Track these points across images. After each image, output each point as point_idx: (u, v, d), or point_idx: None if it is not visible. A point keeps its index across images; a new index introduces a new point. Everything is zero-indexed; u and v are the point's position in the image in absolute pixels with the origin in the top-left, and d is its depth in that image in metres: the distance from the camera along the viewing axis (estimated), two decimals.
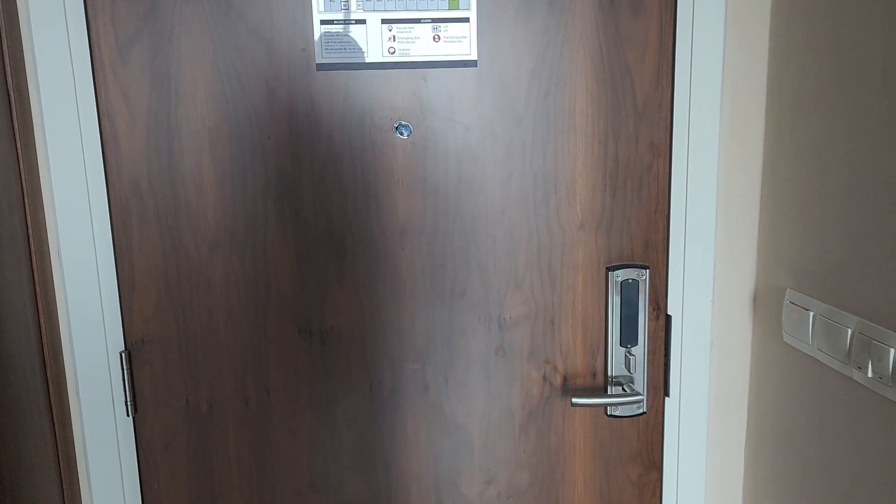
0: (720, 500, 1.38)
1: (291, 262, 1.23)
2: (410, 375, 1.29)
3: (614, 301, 1.29)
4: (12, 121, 1.07)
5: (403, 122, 1.21)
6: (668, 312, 1.31)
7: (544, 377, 1.31)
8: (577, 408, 1.32)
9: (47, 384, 1.15)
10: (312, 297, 1.24)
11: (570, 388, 1.32)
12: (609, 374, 1.31)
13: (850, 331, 1.04)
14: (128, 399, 1.23)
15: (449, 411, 1.31)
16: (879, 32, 0.96)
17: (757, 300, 1.31)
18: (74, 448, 1.24)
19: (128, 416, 1.24)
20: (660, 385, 1.34)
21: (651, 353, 1.32)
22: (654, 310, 1.31)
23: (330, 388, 1.28)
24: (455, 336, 1.28)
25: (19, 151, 1.08)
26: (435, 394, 1.30)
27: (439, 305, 1.27)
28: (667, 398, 1.34)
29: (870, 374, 1.00)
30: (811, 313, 1.13)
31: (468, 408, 1.31)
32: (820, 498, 1.14)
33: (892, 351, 0.95)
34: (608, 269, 1.28)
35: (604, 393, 1.32)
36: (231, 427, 1.27)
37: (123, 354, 1.22)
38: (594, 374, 1.32)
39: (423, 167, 1.22)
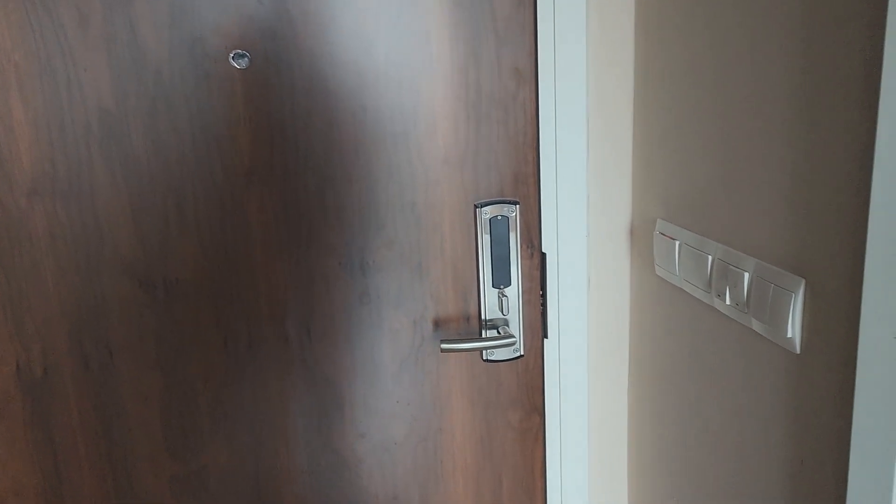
0: (604, 441, 1.34)
1: (125, 210, 1.12)
2: (268, 329, 1.20)
3: (484, 240, 1.22)
4: None
5: (240, 51, 1.10)
6: (543, 250, 1.24)
7: (414, 324, 1.24)
8: (451, 354, 1.26)
9: None
10: (152, 248, 1.14)
11: (442, 335, 1.25)
12: (483, 317, 1.25)
13: (710, 258, 0.99)
14: None
15: (314, 364, 1.23)
16: None
17: (633, 234, 1.25)
18: None
19: None
20: (537, 326, 1.28)
21: (526, 293, 1.26)
22: (527, 248, 1.24)
23: (180, 345, 1.18)
24: (315, 284, 1.20)
25: None
26: (297, 346, 1.21)
27: (295, 252, 1.18)
28: (545, 340, 1.28)
29: (728, 302, 0.95)
30: (677, 243, 1.07)
31: (334, 359, 1.23)
32: (694, 432, 1.10)
33: (747, 275, 0.90)
34: (476, 206, 1.21)
35: (478, 337, 1.25)
36: (71, 392, 1.17)
37: None
38: (468, 319, 1.25)
39: (267, 101, 1.12)
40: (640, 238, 1.22)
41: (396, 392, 1.26)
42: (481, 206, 1.20)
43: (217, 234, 1.15)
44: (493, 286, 1.23)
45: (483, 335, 1.25)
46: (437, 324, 1.24)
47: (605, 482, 1.36)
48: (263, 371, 1.21)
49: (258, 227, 1.16)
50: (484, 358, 1.27)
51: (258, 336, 1.20)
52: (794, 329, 0.82)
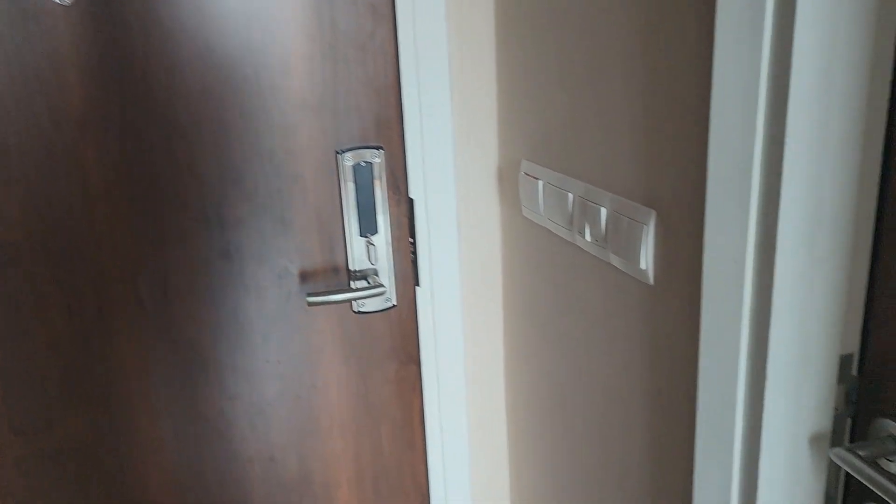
0: (481, 385, 1.35)
1: None
2: (118, 291, 1.11)
3: (348, 188, 1.17)
4: None
5: None
6: (411, 196, 1.21)
7: (280, 278, 1.18)
8: (321, 308, 1.21)
9: None
10: None
11: (310, 288, 1.20)
12: (351, 268, 1.21)
13: (571, 196, 0.99)
14: None
15: (173, 327, 1.15)
16: None
17: (501, 176, 1.24)
18: None
19: None
20: (409, 274, 1.25)
21: (395, 240, 1.22)
22: (394, 194, 1.20)
23: (17, 317, 1.08)
24: (169, 242, 1.12)
25: None
26: (152, 308, 1.14)
27: (144, 207, 1.09)
28: (418, 287, 1.26)
29: (588, 238, 0.95)
30: (540, 182, 1.07)
31: (196, 320, 1.16)
32: (563, 368, 1.11)
33: (604, 211, 0.90)
34: (337, 153, 1.15)
35: (347, 288, 1.22)
36: None
37: None
38: (336, 270, 1.21)
39: (99, 42, 1.01)
40: (507, 180, 1.21)
41: (265, 350, 1.21)
42: (343, 153, 1.15)
43: (50, 189, 1.05)
44: (359, 235, 1.19)
45: (352, 286, 1.21)
46: (304, 277, 1.19)
47: (485, 425, 1.37)
48: (116, 336, 1.13)
49: (98, 182, 1.06)
50: (355, 310, 1.23)
51: (107, 299, 1.11)
52: (647, 261, 0.83)
